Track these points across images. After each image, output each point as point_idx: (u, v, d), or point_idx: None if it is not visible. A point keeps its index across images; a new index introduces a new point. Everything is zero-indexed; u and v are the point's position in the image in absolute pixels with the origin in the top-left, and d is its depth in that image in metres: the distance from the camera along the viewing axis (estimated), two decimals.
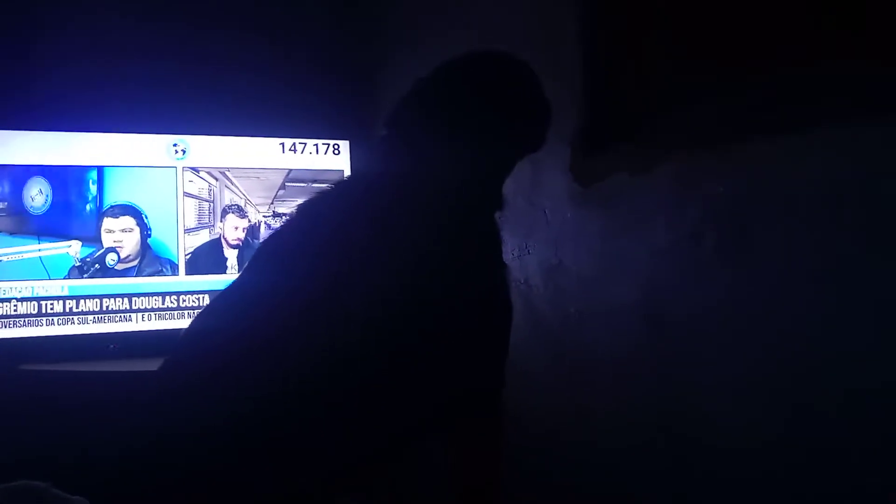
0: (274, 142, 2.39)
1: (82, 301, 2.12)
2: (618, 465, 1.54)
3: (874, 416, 1.07)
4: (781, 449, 1.20)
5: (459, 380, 1.15)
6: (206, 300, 2.23)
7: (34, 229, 2.12)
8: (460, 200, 1.18)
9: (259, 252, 1.28)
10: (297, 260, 1.16)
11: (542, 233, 1.76)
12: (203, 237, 2.29)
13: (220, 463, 1.02)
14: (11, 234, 2.09)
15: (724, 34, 1.38)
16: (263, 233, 2.35)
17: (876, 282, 1.07)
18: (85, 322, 2.12)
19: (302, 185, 2.40)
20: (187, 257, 2.25)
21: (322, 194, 1.27)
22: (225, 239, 2.31)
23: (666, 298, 1.44)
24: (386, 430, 1.11)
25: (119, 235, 2.18)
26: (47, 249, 2.12)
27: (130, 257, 2.19)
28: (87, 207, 2.17)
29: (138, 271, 2.19)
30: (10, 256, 2.08)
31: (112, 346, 2.13)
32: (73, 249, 2.14)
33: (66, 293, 2.11)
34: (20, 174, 2.12)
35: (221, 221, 2.31)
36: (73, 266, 2.13)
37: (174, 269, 2.23)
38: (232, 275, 2.28)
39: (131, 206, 2.20)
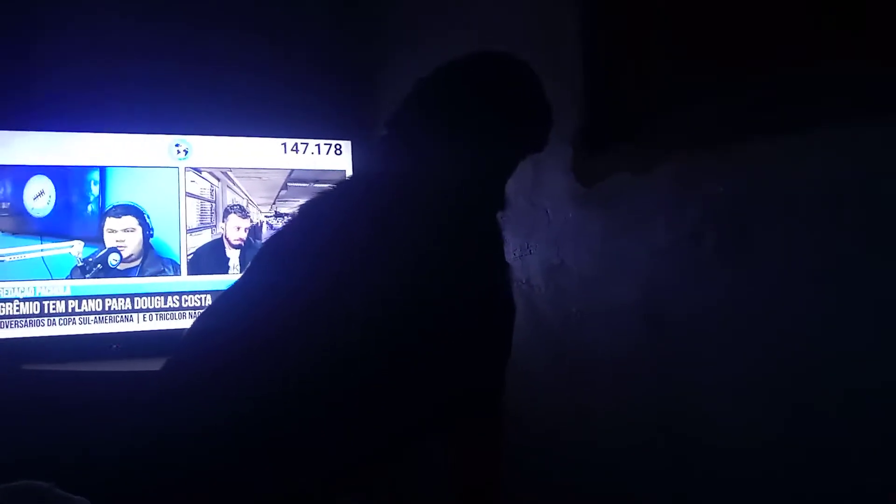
0: (276, 142, 2.39)
1: (84, 301, 2.13)
2: (618, 465, 1.54)
3: (874, 416, 1.07)
4: (781, 449, 1.20)
5: (460, 380, 1.15)
6: (208, 300, 2.23)
7: (36, 229, 2.12)
8: (462, 201, 1.18)
9: (261, 252, 1.28)
10: (299, 260, 1.16)
11: (544, 233, 1.77)
12: (205, 237, 2.29)
13: (221, 463, 1.02)
14: (14, 234, 2.09)
15: (724, 34, 1.38)
16: (265, 233, 2.35)
17: (876, 282, 1.07)
18: (87, 322, 2.12)
19: (304, 185, 2.40)
20: (189, 257, 2.26)
21: (324, 194, 1.27)
22: (227, 239, 2.32)
23: (666, 298, 1.44)
24: (386, 430, 1.11)
25: (121, 235, 2.18)
26: (50, 249, 2.12)
27: (133, 257, 2.19)
28: (90, 208, 2.17)
29: (140, 271, 2.20)
30: (12, 256, 2.08)
31: (114, 347, 2.13)
32: (76, 249, 2.14)
33: (68, 293, 2.12)
34: (23, 175, 2.12)
35: (223, 221, 2.31)
36: (76, 266, 2.13)
37: (176, 270, 2.24)
38: (234, 275, 2.29)
39: (133, 207, 2.20)
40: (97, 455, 1.21)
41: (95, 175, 2.18)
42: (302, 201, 1.33)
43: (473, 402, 1.18)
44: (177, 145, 2.27)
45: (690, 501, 1.38)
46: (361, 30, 2.64)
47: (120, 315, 2.16)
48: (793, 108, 1.20)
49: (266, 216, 2.37)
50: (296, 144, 2.41)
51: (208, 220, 2.30)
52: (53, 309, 2.10)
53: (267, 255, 1.25)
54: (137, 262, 2.20)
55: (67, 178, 2.16)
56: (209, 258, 2.29)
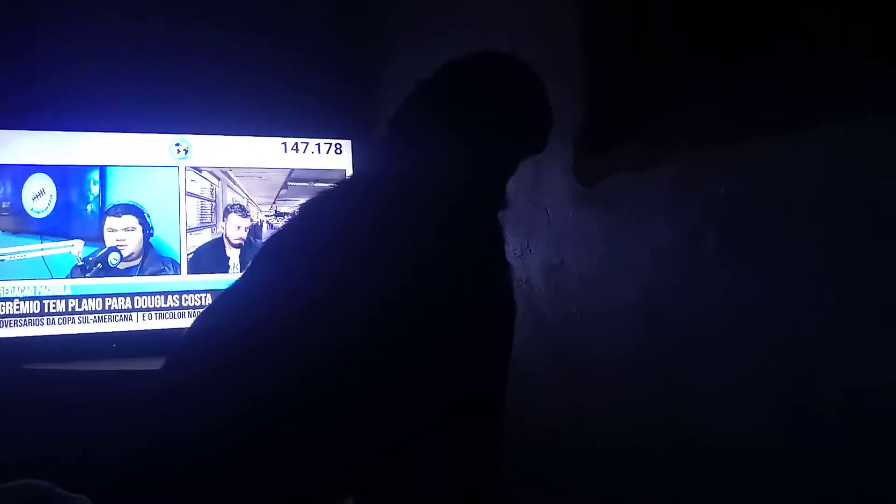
0: (276, 141, 2.40)
1: (84, 300, 2.13)
2: (618, 464, 1.54)
3: (874, 416, 1.07)
4: (781, 449, 1.20)
5: (461, 380, 1.15)
6: (208, 299, 2.24)
7: (37, 229, 2.12)
8: (463, 200, 1.18)
9: (261, 252, 1.28)
10: (300, 260, 1.16)
11: (544, 232, 1.77)
12: (205, 236, 2.29)
13: (221, 462, 1.02)
14: (14, 233, 2.10)
15: (725, 34, 1.38)
16: (265, 232, 2.35)
17: (876, 281, 1.07)
18: (87, 321, 2.12)
19: (304, 184, 2.40)
20: (189, 256, 2.26)
21: (325, 194, 1.27)
22: (227, 238, 2.32)
23: (666, 298, 1.44)
24: (387, 430, 1.11)
25: (121, 235, 2.18)
26: (50, 249, 2.12)
27: (133, 256, 2.19)
28: (90, 207, 2.17)
29: (140, 270, 2.20)
30: (12, 256, 2.09)
31: (114, 346, 2.13)
32: (76, 249, 2.14)
33: (68, 292, 2.12)
34: (23, 174, 2.12)
35: (224, 221, 2.32)
36: (76, 265, 2.14)
37: (176, 269, 2.24)
38: (234, 274, 2.29)
39: (134, 206, 2.21)
40: (97, 454, 1.21)
41: (96, 174, 2.18)
42: (302, 201, 1.33)
43: (474, 401, 1.18)
44: (177, 144, 2.27)
45: (690, 501, 1.37)
46: (361, 29, 2.64)
47: (120, 314, 2.16)
48: (793, 107, 1.20)
49: (266, 215, 2.37)
50: (296, 144, 2.41)
51: (208, 220, 2.30)
52: (53, 308, 2.10)
53: (267, 255, 1.25)
54: (137, 262, 2.20)
55: (68, 178, 2.16)
56: (209, 257, 2.29)
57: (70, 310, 2.11)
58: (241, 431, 1.02)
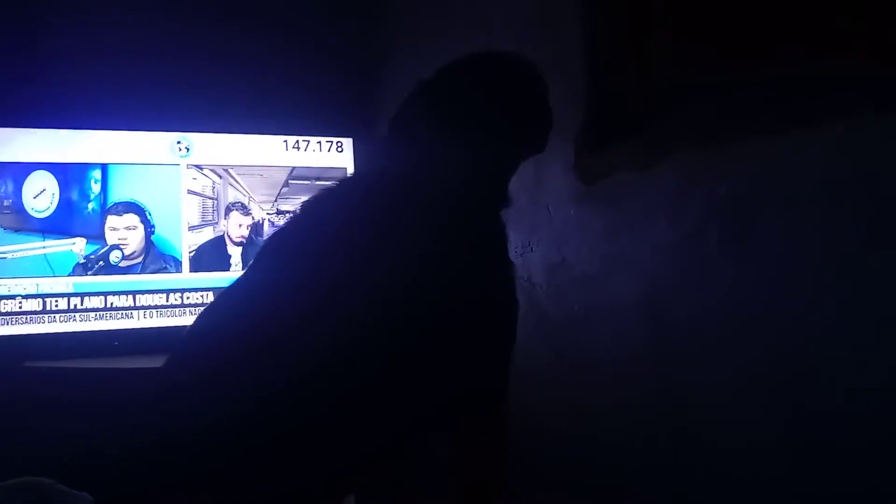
0: (277, 139, 2.39)
1: (86, 298, 2.13)
2: (619, 463, 1.54)
3: (874, 416, 1.07)
4: (781, 448, 1.20)
5: (463, 378, 1.15)
6: (210, 297, 2.24)
7: (39, 226, 2.12)
8: (466, 199, 1.18)
9: (263, 250, 1.28)
10: (302, 258, 1.16)
11: (546, 230, 1.77)
12: (207, 234, 2.29)
13: (223, 461, 1.02)
14: (16, 231, 2.10)
15: (725, 33, 1.38)
16: (267, 230, 2.35)
17: (878, 280, 1.07)
18: (89, 319, 2.13)
19: (305, 182, 2.40)
20: (191, 254, 2.26)
21: (327, 192, 1.26)
22: (229, 236, 2.32)
23: (668, 296, 1.44)
24: (390, 428, 1.11)
25: (123, 233, 2.18)
26: (52, 247, 2.12)
27: (134, 254, 2.20)
28: (91, 205, 2.17)
29: (142, 268, 2.20)
30: (15, 253, 2.09)
31: (116, 343, 2.14)
32: (78, 247, 2.15)
33: (70, 290, 2.12)
34: (25, 172, 2.12)
35: (225, 219, 2.32)
36: (78, 263, 2.14)
37: (178, 267, 2.24)
38: (235, 272, 2.29)
39: (135, 204, 2.21)
40: (99, 452, 1.21)
41: (97, 172, 2.18)
42: (304, 199, 1.33)
43: (476, 400, 1.18)
44: (178, 142, 2.27)
45: (691, 500, 1.38)
46: (363, 27, 2.64)
47: (122, 312, 2.16)
48: (793, 106, 1.20)
49: (268, 214, 2.37)
50: (297, 142, 2.41)
51: (210, 218, 2.30)
52: (55, 306, 2.10)
53: (269, 253, 1.25)
54: (139, 260, 2.20)
55: (69, 176, 2.16)
56: (211, 255, 2.29)
57: (72, 308, 2.11)
58: (243, 429, 1.02)
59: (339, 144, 2.45)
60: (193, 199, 2.28)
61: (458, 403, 1.16)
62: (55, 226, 2.13)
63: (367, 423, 1.08)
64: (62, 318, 2.10)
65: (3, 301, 2.05)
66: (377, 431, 1.10)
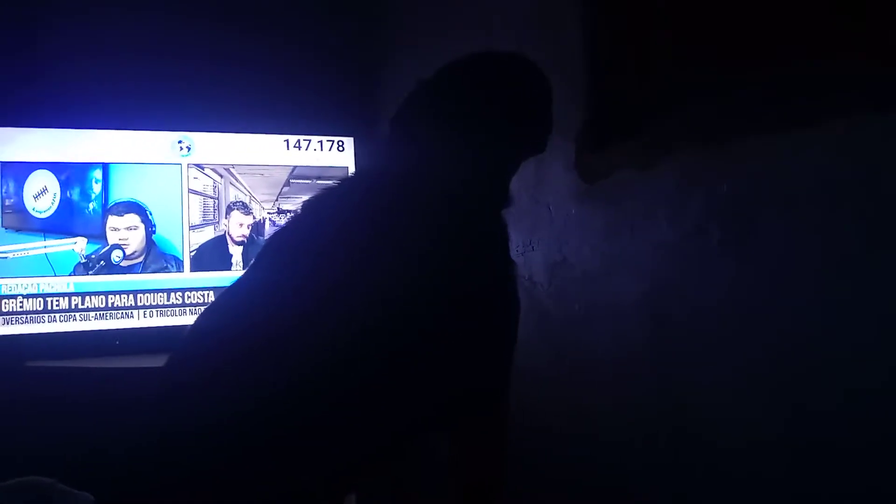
0: (278, 138, 2.40)
1: (87, 298, 2.13)
2: (619, 462, 1.54)
3: (874, 416, 1.07)
4: (781, 448, 1.20)
5: (464, 378, 1.15)
6: (211, 297, 2.24)
7: (40, 226, 2.13)
8: (466, 198, 1.18)
9: (264, 249, 1.28)
10: (303, 257, 1.16)
11: (546, 229, 1.77)
12: (208, 234, 2.30)
13: (224, 460, 1.02)
14: (17, 230, 2.10)
15: (726, 32, 1.38)
16: (268, 229, 2.36)
17: (878, 280, 1.07)
18: (90, 318, 2.13)
19: (306, 181, 2.40)
20: (192, 254, 2.26)
21: (328, 191, 1.26)
22: (230, 236, 2.32)
23: (669, 295, 1.44)
24: (390, 428, 1.11)
25: (124, 233, 2.19)
26: (53, 246, 2.13)
27: (135, 254, 2.20)
28: (92, 205, 2.18)
29: (143, 268, 2.20)
30: (16, 253, 2.09)
31: (117, 343, 2.14)
32: (79, 246, 2.15)
33: (71, 290, 2.12)
34: (26, 171, 2.13)
35: (226, 218, 2.32)
36: (79, 262, 2.14)
37: (179, 266, 2.24)
38: (237, 271, 2.29)
39: (136, 203, 2.21)
40: (100, 451, 1.21)
41: (98, 172, 2.18)
42: (305, 198, 1.33)
43: (477, 399, 1.18)
44: (179, 142, 2.27)
45: (691, 500, 1.38)
46: (364, 26, 2.64)
47: (123, 311, 2.16)
48: (793, 105, 1.20)
49: (269, 213, 2.37)
50: (298, 141, 2.41)
51: (211, 217, 2.31)
52: (56, 305, 2.10)
53: (270, 252, 1.25)
54: (140, 259, 2.20)
55: (70, 175, 2.16)
56: (212, 255, 2.29)
57: (73, 307, 2.11)
58: (243, 429, 1.02)
59: (341, 143, 2.45)
60: (194, 198, 2.28)
61: (459, 403, 1.16)
62: (56, 225, 2.14)
63: (367, 423, 1.08)
64: (63, 318, 2.10)
65: (4, 300, 2.06)
66: (377, 431, 1.10)
